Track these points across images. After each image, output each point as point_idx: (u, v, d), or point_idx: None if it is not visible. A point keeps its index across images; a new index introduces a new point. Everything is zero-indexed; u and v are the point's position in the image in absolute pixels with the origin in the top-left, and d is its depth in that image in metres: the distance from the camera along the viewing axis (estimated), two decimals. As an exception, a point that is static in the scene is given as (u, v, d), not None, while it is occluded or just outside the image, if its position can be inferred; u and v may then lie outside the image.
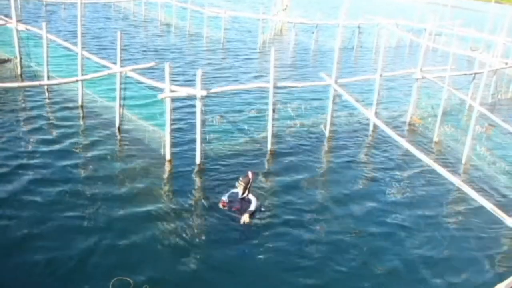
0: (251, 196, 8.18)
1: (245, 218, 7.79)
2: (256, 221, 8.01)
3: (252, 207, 8.01)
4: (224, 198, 8.25)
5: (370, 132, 12.90)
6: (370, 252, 7.61)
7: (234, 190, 8.27)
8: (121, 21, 28.00)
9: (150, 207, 8.19)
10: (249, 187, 8.16)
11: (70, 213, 7.77)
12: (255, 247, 7.39)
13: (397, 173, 10.76)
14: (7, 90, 12.97)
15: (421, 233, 8.31)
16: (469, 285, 7.10)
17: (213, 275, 6.68)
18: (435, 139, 12.86)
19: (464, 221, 8.94)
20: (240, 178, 8.19)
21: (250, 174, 8.27)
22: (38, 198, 8.14)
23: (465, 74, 15.62)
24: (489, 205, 7.62)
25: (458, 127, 13.72)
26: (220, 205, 8.14)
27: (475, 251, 8.00)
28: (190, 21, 27.20)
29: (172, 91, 9.60)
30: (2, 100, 12.62)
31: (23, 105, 12.66)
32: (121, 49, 10.81)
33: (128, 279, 6.29)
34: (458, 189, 9.17)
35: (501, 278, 6.52)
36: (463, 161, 11.58)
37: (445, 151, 12.33)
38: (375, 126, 12.57)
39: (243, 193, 8.11)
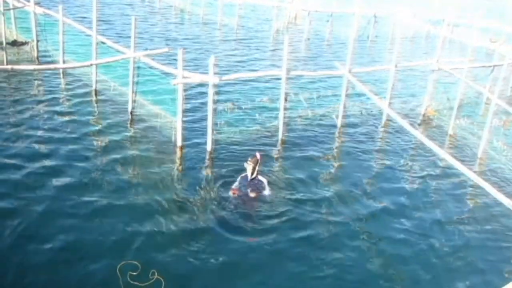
0: (260, 177, 8.31)
1: (252, 194, 8.04)
2: (266, 212, 7.96)
3: (266, 192, 8.22)
4: (234, 186, 8.30)
5: (383, 124, 12.73)
6: (378, 238, 7.59)
7: (242, 175, 8.37)
8: (138, 7, 27.98)
9: (160, 193, 8.22)
10: (258, 168, 8.26)
11: (80, 197, 7.84)
12: (263, 241, 7.24)
13: (410, 165, 10.61)
14: (23, 72, 13.12)
15: (435, 228, 8.19)
16: (482, 284, 6.98)
17: (219, 265, 6.65)
18: (450, 132, 12.64)
19: (479, 217, 8.77)
20: (249, 159, 8.30)
21: (258, 155, 8.40)
22: (49, 179, 8.26)
23: (484, 67, 15.27)
24: (506, 200, 7.44)
25: (474, 120, 13.46)
26: (231, 193, 8.16)
27: (490, 247, 7.87)
28: (205, 8, 27.04)
29: (184, 77, 9.58)
30: (18, 82, 12.79)
31: (39, 87, 12.81)
32: (135, 35, 10.80)
33: (136, 262, 6.33)
34: (473, 183, 9.03)
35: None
36: (479, 155, 11.37)
37: (460, 145, 12.11)
38: (388, 117, 12.39)
39: (252, 173, 8.20)
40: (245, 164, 8.26)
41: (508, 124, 13.57)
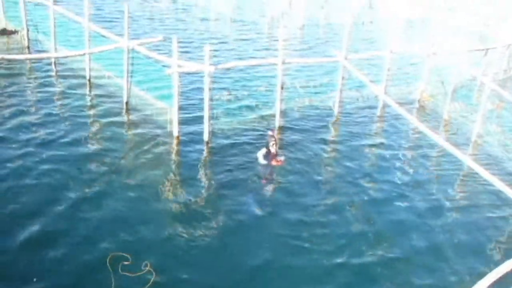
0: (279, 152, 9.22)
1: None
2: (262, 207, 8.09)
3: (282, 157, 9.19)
4: (261, 160, 8.98)
5: (379, 110, 12.77)
6: (371, 219, 7.73)
7: (262, 152, 9.00)
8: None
9: (156, 184, 8.24)
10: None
11: (73, 188, 7.84)
12: (261, 234, 7.31)
13: (406, 151, 10.72)
14: (14, 62, 12.91)
15: (429, 212, 8.33)
16: (476, 265, 7.11)
17: (214, 257, 6.71)
18: (445, 116, 12.72)
19: (473, 200, 8.94)
20: (271, 143, 8.92)
21: (270, 132, 9.19)
22: (42, 172, 8.23)
23: (477, 50, 15.26)
24: (499, 184, 7.57)
25: (468, 104, 13.52)
26: (276, 163, 8.95)
27: (482, 231, 8.02)
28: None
29: (179, 66, 9.51)
30: (9, 73, 12.59)
31: (30, 78, 12.62)
32: (129, 23, 10.64)
33: (126, 254, 6.32)
34: (468, 167, 9.14)
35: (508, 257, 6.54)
36: (473, 139, 11.47)
37: (455, 129, 12.21)
38: (384, 103, 12.42)
39: (276, 148, 8.92)
40: (270, 146, 8.94)
41: (501, 107, 13.65)
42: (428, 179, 9.50)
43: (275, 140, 9.03)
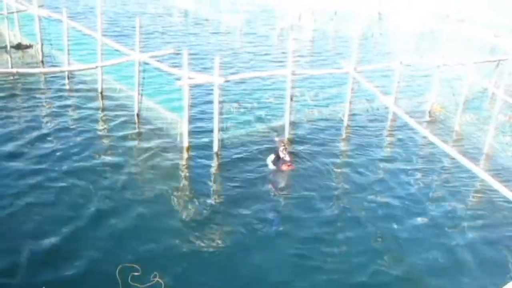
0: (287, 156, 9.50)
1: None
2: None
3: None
4: (271, 166, 9.17)
5: (389, 121, 12.71)
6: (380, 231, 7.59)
7: (271, 158, 9.21)
8: (140, 8, 27.97)
9: (167, 196, 8.27)
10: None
11: (86, 199, 7.93)
12: (272, 247, 7.28)
13: (417, 163, 10.61)
14: (28, 76, 13.17)
15: (440, 226, 8.22)
16: (486, 282, 6.99)
17: (222, 271, 6.68)
18: (456, 128, 12.61)
19: (485, 212, 8.81)
20: (281, 148, 9.17)
21: (277, 138, 9.50)
22: (54, 182, 8.35)
23: (489, 61, 15.18)
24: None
25: (480, 116, 13.40)
26: (287, 168, 9.09)
27: (494, 244, 7.89)
28: (209, 8, 27.00)
29: (190, 78, 9.61)
30: (24, 86, 12.84)
31: (44, 90, 12.85)
32: (140, 36, 10.82)
33: (136, 265, 6.35)
34: (479, 179, 9.02)
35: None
36: (485, 151, 11.34)
37: (466, 140, 12.09)
38: (394, 115, 12.37)
39: (285, 154, 9.39)
40: (281, 154, 9.14)
41: (514, 118, 13.49)
42: (439, 192, 9.38)
43: (284, 146, 9.21)
